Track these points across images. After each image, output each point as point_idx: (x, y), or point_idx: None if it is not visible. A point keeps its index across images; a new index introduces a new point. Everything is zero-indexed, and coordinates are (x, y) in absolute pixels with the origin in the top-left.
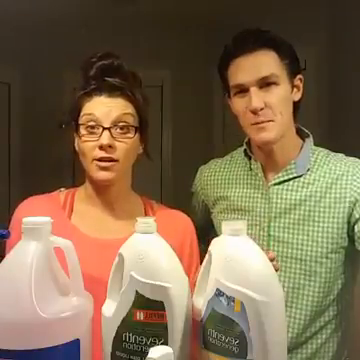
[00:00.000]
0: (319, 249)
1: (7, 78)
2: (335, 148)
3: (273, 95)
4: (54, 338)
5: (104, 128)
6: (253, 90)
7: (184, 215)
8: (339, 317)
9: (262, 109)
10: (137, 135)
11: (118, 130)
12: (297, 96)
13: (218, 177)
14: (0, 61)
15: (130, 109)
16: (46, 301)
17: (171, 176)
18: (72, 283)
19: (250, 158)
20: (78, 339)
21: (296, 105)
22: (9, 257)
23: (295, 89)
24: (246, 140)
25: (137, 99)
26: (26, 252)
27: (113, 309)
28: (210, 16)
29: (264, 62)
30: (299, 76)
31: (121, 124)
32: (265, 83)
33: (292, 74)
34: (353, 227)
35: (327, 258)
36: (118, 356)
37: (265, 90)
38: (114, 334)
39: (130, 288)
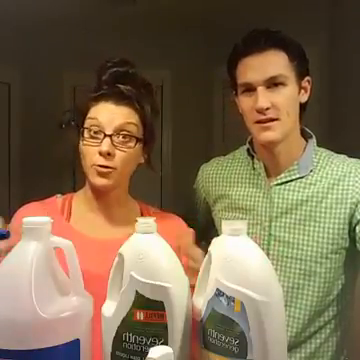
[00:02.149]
0: (319, 249)
1: (7, 78)
2: (335, 148)
3: (280, 95)
4: (54, 338)
5: (106, 135)
6: (260, 90)
7: (180, 220)
8: (339, 317)
9: (268, 109)
10: (139, 145)
11: (120, 138)
12: (304, 98)
13: (220, 175)
14: (0, 61)
15: (134, 119)
16: (46, 301)
17: (171, 176)
18: (72, 283)
19: (253, 157)
20: (78, 339)
21: (303, 106)
22: (9, 257)
23: (302, 90)
24: (249, 139)
25: (144, 109)
26: (26, 252)
27: (113, 309)
28: (210, 16)
29: (273, 62)
30: (307, 78)
31: (123, 132)
32: (273, 83)
33: (300, 75)
34: (354, 228)
35: (327, 258)
36: (118, 356)
37: (272, 90)
38: (114, 334)
39: (130, 288)
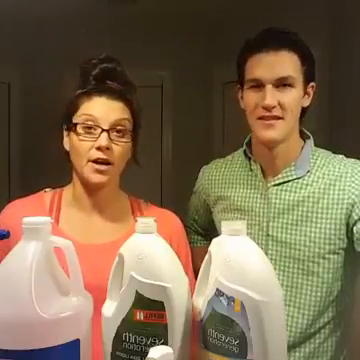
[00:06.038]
0: (316, 249)
1: (7, 78)
2: (334, 149)
3: (287, 96)
4: (54, 338)
5: (103, 130)
6: (269, 88)
7: (172, 214)
8: (339, 318)
9: (274, 107)
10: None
11: (115, 133)
12: (306, 102)
13: (219, 177)
14: (0, 61)
15: (127, 114)
16: (46, 301)
17: (171, 176)
18: (72, 283)
19: (250, 159)
20: (78, 339)
21: (303, 110)
22: (9, 257)
23: (306, 95)
24: (246, 140)
25: (133, 105)
26: (26, 252)
27: (113, 309)
28: (210, 16)
29: (285, 63)
30: (312, 83)
31: (119, 127)
32: (281, 83)
33: (307, 80)
34: (352, 229)
35: (324, 258)
36: (118, 356)
37: (280, 90)
38: (114, 334)
39: (130, 288)
